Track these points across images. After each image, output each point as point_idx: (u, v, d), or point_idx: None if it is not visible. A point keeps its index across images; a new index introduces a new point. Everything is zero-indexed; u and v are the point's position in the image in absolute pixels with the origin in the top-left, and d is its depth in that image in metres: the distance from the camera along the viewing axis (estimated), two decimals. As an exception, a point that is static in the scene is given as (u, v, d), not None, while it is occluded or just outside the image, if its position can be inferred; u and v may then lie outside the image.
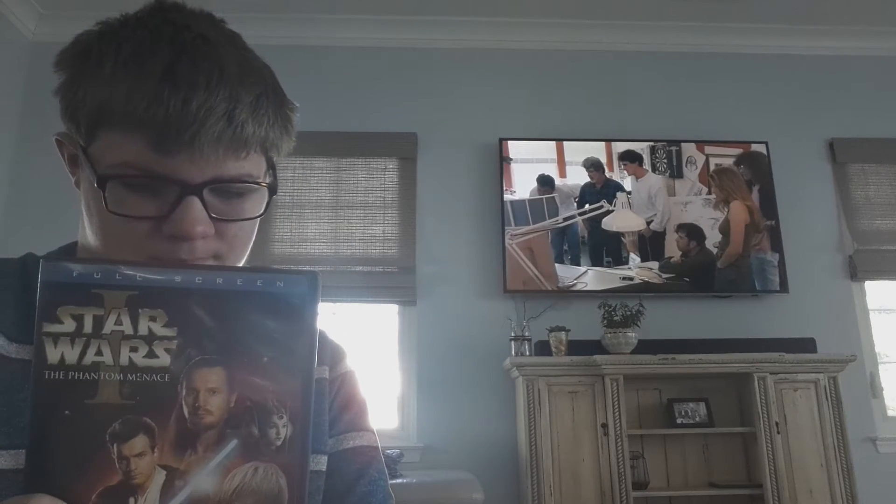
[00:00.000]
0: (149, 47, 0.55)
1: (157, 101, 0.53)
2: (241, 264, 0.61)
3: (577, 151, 3.69)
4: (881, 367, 3.60)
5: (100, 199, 0.55)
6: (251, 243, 0.63)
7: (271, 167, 0.62)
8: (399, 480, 2.60)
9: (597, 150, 3.69)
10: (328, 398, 0.71)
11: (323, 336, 0.74)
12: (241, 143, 0.56)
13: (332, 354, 0.74)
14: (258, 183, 0.58)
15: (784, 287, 3.53)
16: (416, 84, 3.86)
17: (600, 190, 3.65)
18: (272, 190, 0.61)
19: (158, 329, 0.39)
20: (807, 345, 3.30)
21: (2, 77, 3.60)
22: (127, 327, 0.39)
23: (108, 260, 0.40)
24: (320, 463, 0.66)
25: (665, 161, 3.70)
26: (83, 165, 0.58)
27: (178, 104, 0.53)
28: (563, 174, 3.66)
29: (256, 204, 0.60)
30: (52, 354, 0.38)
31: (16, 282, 0.60)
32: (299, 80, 3.65)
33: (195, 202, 0.54)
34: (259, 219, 0.61)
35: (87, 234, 0.61)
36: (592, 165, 3.67)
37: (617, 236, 3.58)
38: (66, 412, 0.37)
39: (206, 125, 0.53)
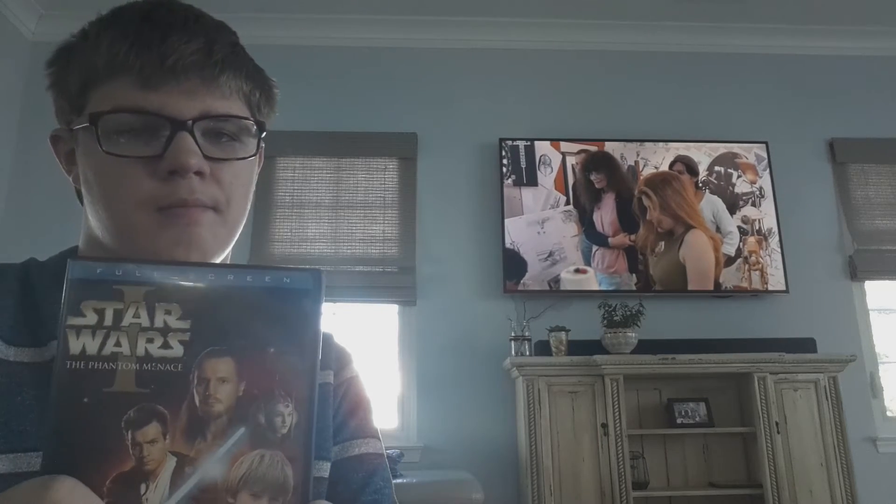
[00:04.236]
0: (127, 7, 0.59)
1: (138, 42, 0.56)
2: (242, 219, 0.63)
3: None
4: (881, 367, 3.60)
5: (96, 150, 0.56)
6: (250, 196, 0.64)
7: (259, 128, 0.62)
8: (399, 480, 2.60)
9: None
10: (333, 404, 0.69)
11: (329, 339, 0.73)
12: (224, 83, 0.59)
13: (337, 358, 0.72)
14: (246, 118, 0.61)
15: (784, 287, 3.53)
16: (416, 84, 3.86)
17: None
18: (261, 126, 0.62)
19: (173, 322, 0.41)
20: (807, 345, 3.30)
21: (2, 77, 3.60)
22: (144, 320, 0.40)
23: (129, 259, 0.43)
24: (323, 469, 0.65)
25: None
26: (77, 124, 0.59)
27: (157, 40, 0.56)
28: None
29: (248, 148, 0.62)
30: (75, 346, 0.39)
31: (16, 286, 0.60)
32: (300, 80, 3.67)
33: (187, 137, 0.56)
34: (253, 161, 0.63)
35: (89, 215, 0.61)
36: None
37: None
38: (85, 400, 0.39)
39: (186, 54, 0.56)
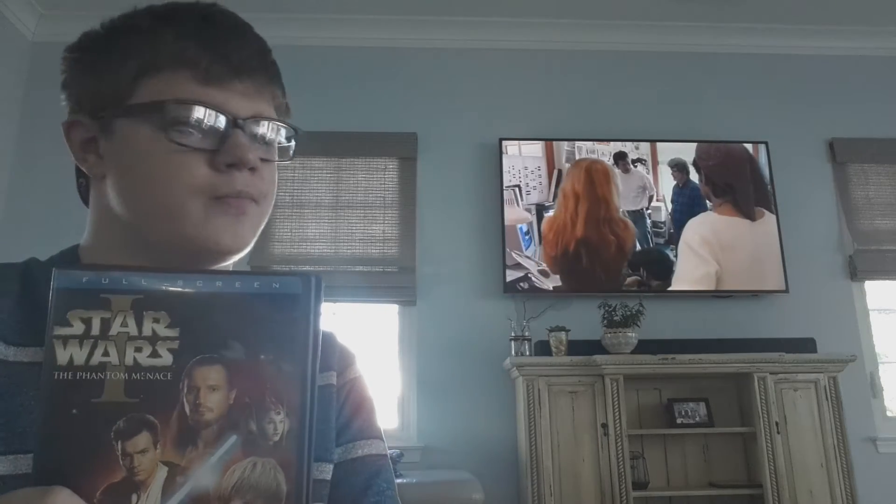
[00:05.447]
0: (182, 6, 0.62)
1: (205, 39, 0.59)
2: (269, 209, 0.66)
3: (588, 151, 3.69)
4: (881, 367, 3.60)
5: (151, 136, 0.57)
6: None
7: (297, 134, 0.67)
8: (399, 480, 2.59)
9: (600, 149, 3.69)
10: (336, 405, 0.69)
11: (331, 339, 0.72)
12: (270, 90, 0.63)
13: (340, 359, 0.71)
14: (289, 125, 0.66)
15: (784, 287, 3.53)
16: (416, 84, 3.86)
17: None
18: (298, 133, 0.67)
19: (161, 330, 0.40)
20: (807, 345, 3.30)
21: (2, 77, 3.60)
22: (132, 329, 0.40)
23: (115, 267, 0.42)
24: (325, 472, 0.64)
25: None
26: (130, 116, 0.59)
27: (221, 41, 0.60)
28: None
29: (283, 152, 0.67)
30: (62, 356, 0.39)
31: (17, 286, 0.59)
32: (299, 80, 3.66)
33: (243, 134, 0.60)
34: (289, 161, 0.68)
35: (117, 203, 0.60)
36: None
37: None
38: (74, 411, 0.39)
39: (246, 57, 0.61)
